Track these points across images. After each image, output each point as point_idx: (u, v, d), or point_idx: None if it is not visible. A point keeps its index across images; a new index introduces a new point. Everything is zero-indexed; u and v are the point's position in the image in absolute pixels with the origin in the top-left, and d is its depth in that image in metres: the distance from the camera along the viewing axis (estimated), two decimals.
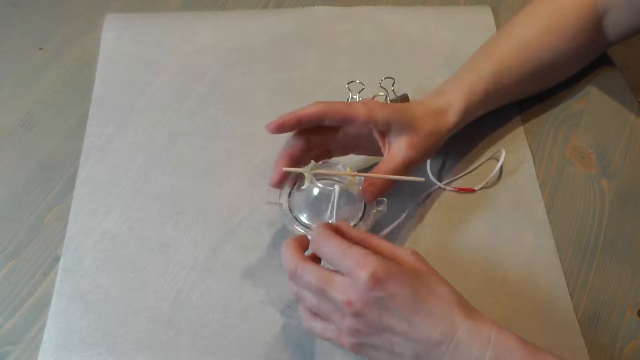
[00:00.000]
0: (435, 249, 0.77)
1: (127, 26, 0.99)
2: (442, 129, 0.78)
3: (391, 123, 0.73)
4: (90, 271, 0.75)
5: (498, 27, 0.98)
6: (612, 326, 0.72)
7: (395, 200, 0.76)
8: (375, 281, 0.59)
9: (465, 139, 0.85)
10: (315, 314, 0.64)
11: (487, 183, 0.82)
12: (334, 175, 0.72)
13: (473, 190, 0.81)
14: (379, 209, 0.72)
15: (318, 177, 0.71)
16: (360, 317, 0.60)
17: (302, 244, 0.66)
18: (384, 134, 0.74)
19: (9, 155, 0.86)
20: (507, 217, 0.79)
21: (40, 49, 0.97)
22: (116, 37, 0.97)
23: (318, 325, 0.64)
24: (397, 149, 0.74)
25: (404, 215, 0.78)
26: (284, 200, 0.72)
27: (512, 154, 0.85)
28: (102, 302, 0.73)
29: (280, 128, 0.71)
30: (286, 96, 0.91)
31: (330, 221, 0.69)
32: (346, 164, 0.72)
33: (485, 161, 0.84)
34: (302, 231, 0.70)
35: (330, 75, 0.93)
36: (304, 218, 0.71)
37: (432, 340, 0.59)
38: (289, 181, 0.73)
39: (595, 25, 0.86)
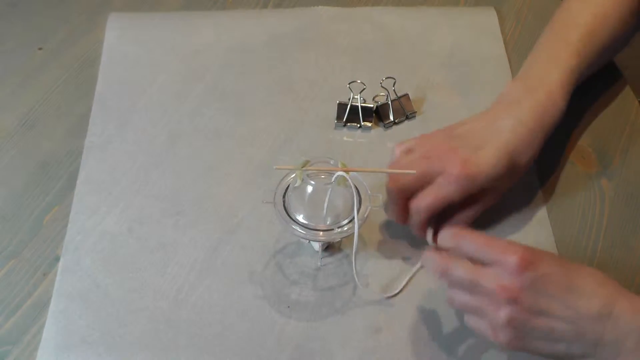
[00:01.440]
0: None
1: (128, 26, 0.99)
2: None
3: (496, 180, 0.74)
4: (90, 271, 0.75)
5: (501, 27, 0.98)
6: None
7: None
8: (527, 263, 0.59)
9: None
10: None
11: None
12: (326, 171, 0.72)
13: None
14: (375, 205, 0.72)
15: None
16: (516, 304, 0.59)
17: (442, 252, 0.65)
18: None
19: (9, 155, 0.86)
20: (507, 217, 0.79)
21: (40, 49, 0.97)
22: (118, 36, 0.97)
23: (471, 320, 0.64)
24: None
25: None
26: (278, 199, 0.72)
27: None
28: (102, 302, 0.73)
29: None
30: (286, 96, 0.91)
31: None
32: (338, 160, 0.72)
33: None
34: (300, 230, 0.70)
35: (330, 75, 0.93)
36: (300, 217, 0.71)
37: (590, 317, 0.58)
38: (283, 181, 0.73)
39: None
